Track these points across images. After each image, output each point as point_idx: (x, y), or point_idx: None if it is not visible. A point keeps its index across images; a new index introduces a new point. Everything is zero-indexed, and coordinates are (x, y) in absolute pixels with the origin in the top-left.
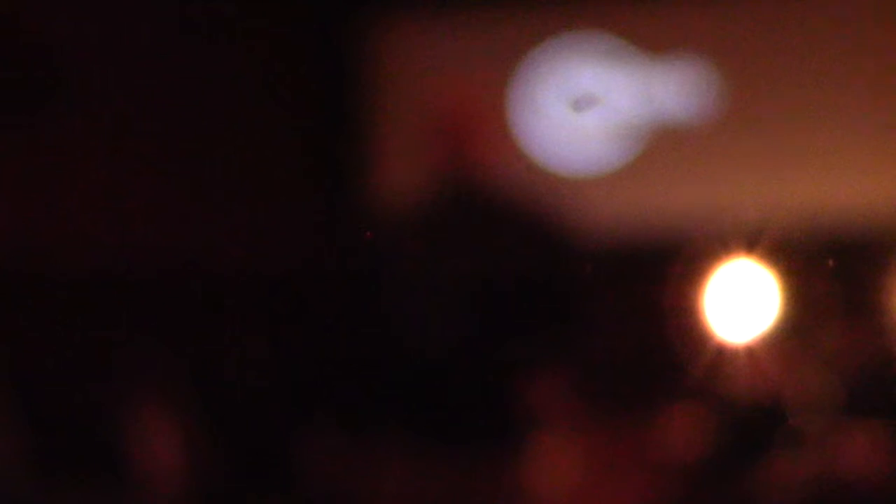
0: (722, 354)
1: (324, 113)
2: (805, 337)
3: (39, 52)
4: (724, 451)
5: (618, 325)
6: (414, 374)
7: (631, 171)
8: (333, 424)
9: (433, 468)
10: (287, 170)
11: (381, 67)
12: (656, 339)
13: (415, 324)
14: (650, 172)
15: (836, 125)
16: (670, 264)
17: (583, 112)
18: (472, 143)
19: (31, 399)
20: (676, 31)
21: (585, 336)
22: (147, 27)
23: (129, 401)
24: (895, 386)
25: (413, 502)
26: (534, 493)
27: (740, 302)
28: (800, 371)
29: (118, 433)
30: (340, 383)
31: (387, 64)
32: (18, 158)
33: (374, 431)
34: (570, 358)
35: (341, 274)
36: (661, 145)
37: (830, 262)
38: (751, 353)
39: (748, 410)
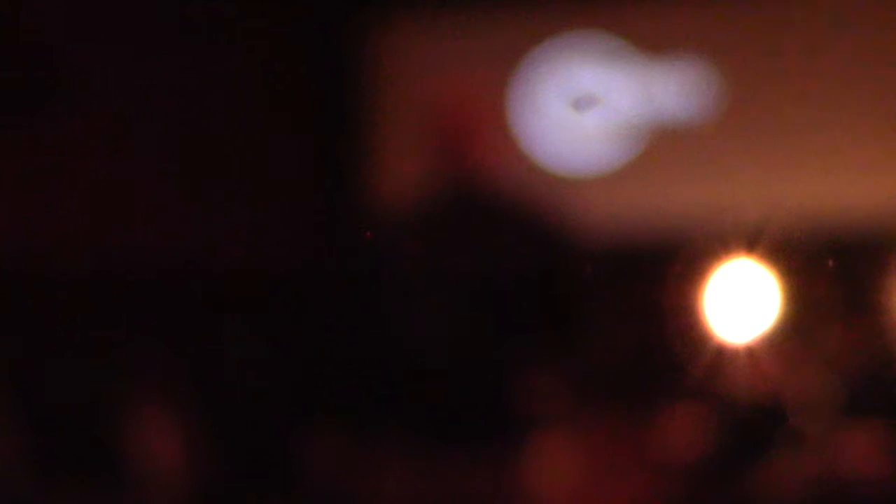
0: (722, 354)
1: (324, 113)
2: (805, 337)
3: (39, 52)
4: (724, 451)
5: (618, 325)
6: (414, 374)
7: (631, 171)
8: (333, 424)
9: (433, 468)
10: (287, 170)
11: (381, 67)
12: (656, 339)
13: (415, 324)
14: (650, 172)
15: (836, 125)
16: (670, 264)
17: (583, 112)
18: (472, 143)
19: (31, 399)
20: (676, 31)
21: (585, 336)
22: (147, 27)
23: (129, 401)
24: (895, 386)
25: (413, 502)
26: (534, 493)
27: (740, 302)
28: (800, 371)
29: (118, 433)
30: (340, 383)
31: (387, 64)
32: (18, 158)
33: (374, 431)
34: (570, 358)
35: (341, 274)
36: (661, 145)
37: (830, 262)
38: (751, 353)
39: (748, 410)
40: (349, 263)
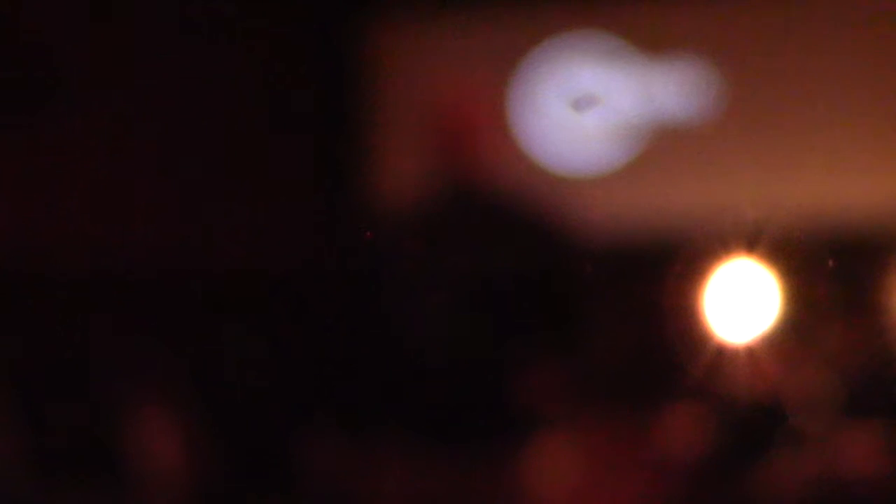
0: (722, 354)
1: (324, 113)
2: (805, 337)
3: (39, 52)
4: (724, 451)
5: (618, 325)
6: (414, 374)
7: (631, 171)
8: (333, 424)
9: (433, 468)
10: (287, 170)
11: (381, 67)
12: (656, 339)
13: (415, 324)
14: (650, 172)
15: (836, 125)
16: (670, 264)
17: (583, 112)
18: (472, 143)
19: (31, 399)
20: (676, 31)
21: (585, 336)
22: (147, 27)
23: (129, 401)
24: (895, 386)
25: (413, 502)
26: (534, 493)
27: (740, 302)
28: (800, 371)
29: (118, 433)
30: (340, 383)
31: (387, 64)
32: (18, 158)
33: (374, 431)
34: (570, 358)
35: (341, 274)
36: (661, 145)
37: (830, 262)
38: (751, 353)
39: (748, 410)
40: (349, 263)
